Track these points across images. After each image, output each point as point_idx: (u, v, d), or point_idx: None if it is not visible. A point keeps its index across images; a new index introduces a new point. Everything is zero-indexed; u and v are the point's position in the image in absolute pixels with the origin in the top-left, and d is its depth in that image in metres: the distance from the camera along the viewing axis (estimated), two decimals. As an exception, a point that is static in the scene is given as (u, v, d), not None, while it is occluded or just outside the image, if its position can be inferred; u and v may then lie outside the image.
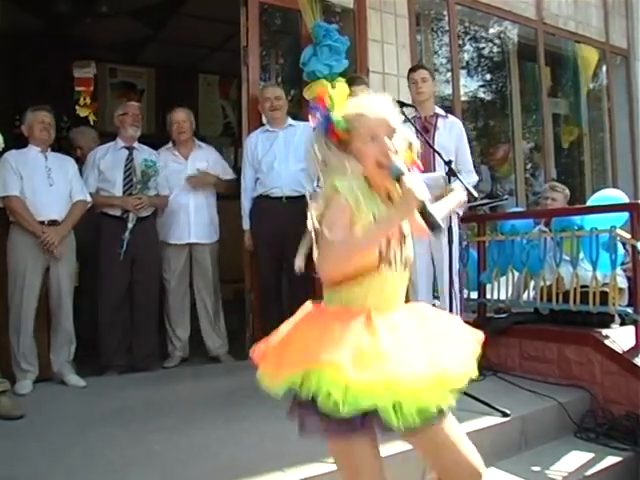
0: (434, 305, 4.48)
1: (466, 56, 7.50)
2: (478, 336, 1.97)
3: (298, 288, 4.70)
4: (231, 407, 3.65)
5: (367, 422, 1.74)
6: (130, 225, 4.47)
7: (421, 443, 1.98)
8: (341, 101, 2.03)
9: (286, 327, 1.92)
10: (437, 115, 4.51)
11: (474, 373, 1.85)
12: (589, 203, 5.02)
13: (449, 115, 4.67)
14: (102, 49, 7.58)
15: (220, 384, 4.20)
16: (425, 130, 4.40)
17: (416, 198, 1.80)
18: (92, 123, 5.22)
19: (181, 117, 5.01)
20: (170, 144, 5.07)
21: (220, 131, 8.79)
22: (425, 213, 1.83)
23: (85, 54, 6.43)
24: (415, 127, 4.20)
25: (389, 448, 2.63)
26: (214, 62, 8.34)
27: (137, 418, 3.45)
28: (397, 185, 1.87)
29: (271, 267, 4.68)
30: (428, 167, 4.07)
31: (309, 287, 4.79)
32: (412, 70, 4.69)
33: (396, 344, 1.76)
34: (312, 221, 1.87)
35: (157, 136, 5.82)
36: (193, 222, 4.88)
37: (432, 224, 1.83)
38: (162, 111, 7.87)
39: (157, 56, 8.21)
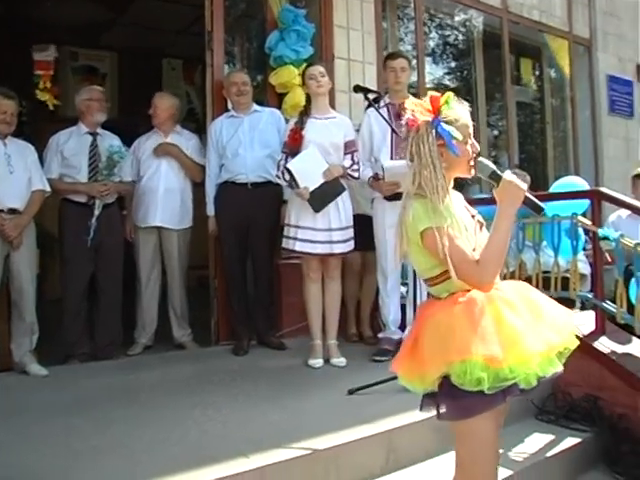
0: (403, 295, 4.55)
1: (431, 43, 7.51)
2: (567, 310, 2.17)
3: (262, 274, 4.73)
4: (195, 394, 3.64)
5: (507, 393, 1.94)
6: (97, 212, 4.41)
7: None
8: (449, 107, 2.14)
9: (411, 328, 2.16)
10: None
11: (575, 343, 2.05)
12: (551, 190, 5.09)
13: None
14: (63, 32, 7.43)
15: (185, 371, 4.18)
16: (399, 117, 4.41)
17: (520, 188, 2.04)
18: (51, 107, 5.12)
19: (156, 102, 4.96)
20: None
21: (184, 117, 8.70)
22: (527, 199, 2.10)
23: (46, 37, 6.30)
24: (380, 113, 4.25)
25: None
26: (178, 46, 8.24)
27: (101, 407, 3.42)
28: (489, 180, 2.11)
29: (236, 254, 4.66)
30: (400, 153, 4.09)
31: (273, 273, 4.82)
32: (391, 57, 4.64)
33: (520, 321, 1.96)
34: (440, 245, 2.00)
35: (120, 121, 5.74)
36: (160, 205, 4.82)
37: (536, 207, 2.14)
38: (126, 96, 7.80)
39: (120, 40, 8.07)
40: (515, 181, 2.05)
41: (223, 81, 4.92)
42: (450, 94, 2.14)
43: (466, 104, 2.18)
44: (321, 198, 4.13)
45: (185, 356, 4.71)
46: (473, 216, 2.19)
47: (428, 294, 2.21)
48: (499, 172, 2.11)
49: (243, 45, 5.94)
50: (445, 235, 2.00)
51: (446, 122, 2.07)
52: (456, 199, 2.18)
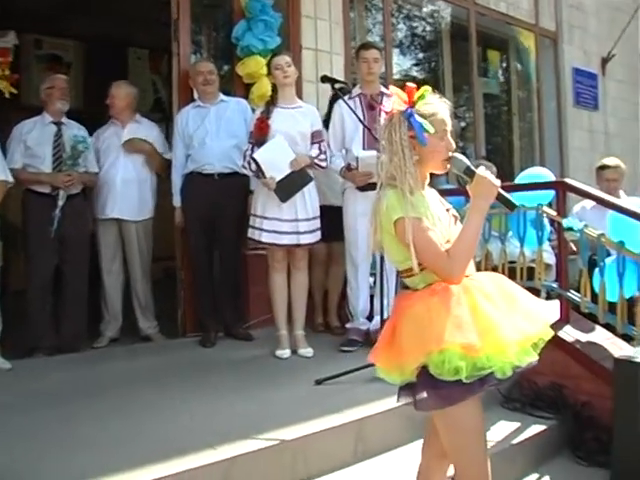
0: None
1: (399, 35, 7.52)
2: (542, 302, 2.23)
3: (229, 265, 4.71)
4: (162, 386, 3.61)
5: (484, 382, 1.96)
6: (61, 202, 4.34)
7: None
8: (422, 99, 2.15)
9: (389, 320, 2.16)
10: (382, 94, 4.51)
11: (549, 334, 2.07)
12: (517, 181, 5.13)
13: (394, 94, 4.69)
14: (27, 19, 7.29)
15: (151, 363, 4.16)
16: (371, 108, 4.44)
17: (493, 184, 2.07)
18: (7, 95, 5.03)
19: (113, 92, 4.89)
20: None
21: (151, 107, 8.61)
22: (500, 195, 2.12)
23: (9, 24, 6.17)
24: (347, 104, 4.25)
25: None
26: (144, 35, 8.12)
27: (67, 400, 3.37)
28: (463, 175, 2.13)
29: (202, 245, 4.63)
30: (372, 144, 4.09)
31: (240, 264, 4.80)
32: (363, 48, 4.63)
33: (496, 311, 1.99)
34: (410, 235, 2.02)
35: (85, 111, 5.66)
36: (119, 197, 4.75)
37: (509, 204, 2.16)
38: (91, 85, 7.68)
39: (85, 28, 7.93)
40: (489, 177, 2.07)
41: (189, 70, 4.87)
42: (427, 89, 2.16)
43: (448, 102, 2.20)
44: (287, 188, 4.11)
45: (151, 348, 4.68)
46: (448, 210, 2.21)
47: (403, 286, 2.22)
48: (473, 168, 2.13)
49: (210, 35, 5.88)
50: (417, 226, 2.01)
51: (420, 115, 2.09)
52: (430, 193, 2.20)
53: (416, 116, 2.08)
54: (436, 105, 2.14)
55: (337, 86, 4.19)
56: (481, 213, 2.10)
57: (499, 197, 2.12)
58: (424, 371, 1.96)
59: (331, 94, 4.83)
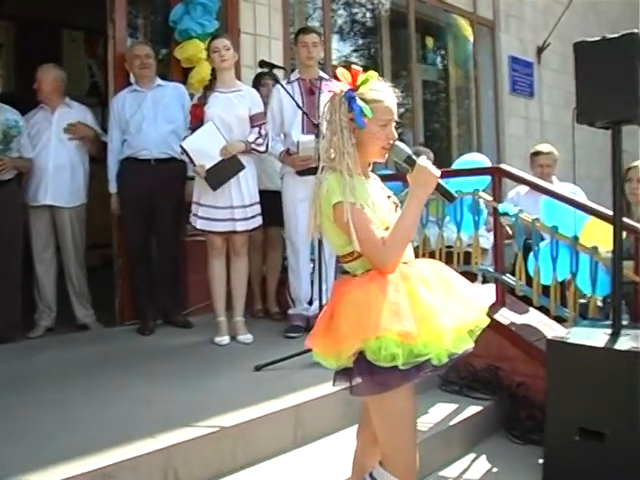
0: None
1: (339, 20, 7.53)
2: (480, 289, 2.22)
3: (167, 252, 4.66)
4: (100, 375, 3.56)
5: (420, 369, 1.97)
6: (-8, 188, 4.21)
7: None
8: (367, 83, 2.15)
9: (327, 305, 2.15)
10: (322, 78, 4.50)
11: (485, 321, 2.11)
12: (454, 167, 5.20)
13: (333, 79, 4.68)
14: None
15: (89, 353, 4.08)
16: (310, 92, 4.43)
17: (433, 174, 2.08)
18: None
19: (39, 76, 4.75)
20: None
21: (87, 91, 8.41)
22: (439, 186, 2.12)
23: None
24: (285, 89, 4.22)
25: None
26: (79, 17, 7.93)
27: (2, 391, 3.29)
28: (403, 164, 2.14)
29: (140, 231, 4.56)
30: (311, 129, 4.09)
31: (178, 251, 4.75)
32: (303, 32, 4.60)
33: (433, 298, 2.01)
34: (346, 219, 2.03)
35: (18, 95, 5.48)
36: (51, 183, 4.62)
37: (448, 195, 2.18)
38: (24, 69, 7.45)
39: (17, 9, 7.70)
40: (429, 167, 2.08)
41: (126, 54, 4.77)
42: (374, 74, 2.16)
43: (396, 92, 2.19)
44: (218, 176, 4.07)
45: (88, 337, 4.59)
46: (389, 197, 2.22)
47: (343, 271, 2.22)
48: (414, 157, 2.13)
49: (147, 17, 5.77)
50: (355, 211, 2.01)
51: (363, 99, 2.09)
52: (373, 180, 2.21)
53: (357, 99, 2.08)
54: (383, 93, 2.14)
55: (275, 71, 4.16)
56: (419, 203, 2.10)
57: (438, 188, 2.13)
58: (360, 357, 1.97)
59: (253, 78, 4.85)
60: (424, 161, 2.10)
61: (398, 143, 2.16)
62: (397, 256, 2.04)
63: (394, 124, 2.16)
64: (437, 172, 2.09)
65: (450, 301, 2.04)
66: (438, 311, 1.98)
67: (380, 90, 2.14)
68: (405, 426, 2.09)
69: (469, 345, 2.04)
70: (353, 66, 2.17)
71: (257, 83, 4.92)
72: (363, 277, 2.07)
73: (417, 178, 2.09)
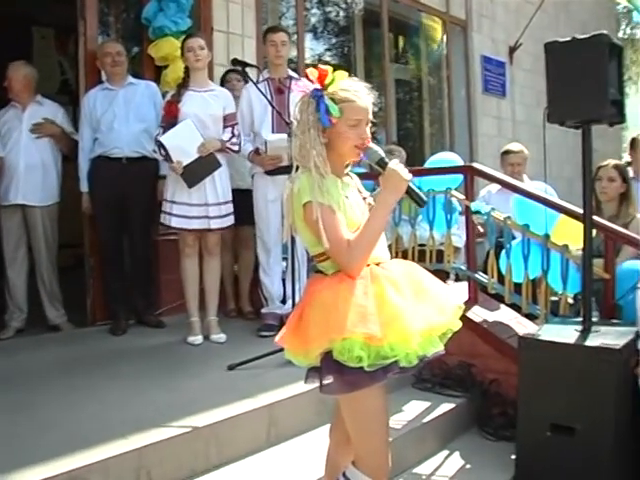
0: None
1: (312, 19, 7.52)
2: (453, 292, 2.25)
3: (139, 251, 4.63)
4: (72, 376, 3.53)
5: (387, 371, 1.97)
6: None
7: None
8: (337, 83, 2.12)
9: (298, 303, 2.17)
10: (291, 77, 4.50)
11: (457, 324, 2.10)
12: (426, 165, 5.23)
13: (302, 78, 4.69)
14: None
15: (60, 353, 4.05)
16: (279, 91, 4.42)
17: (403, 178, 2.05)
18: None
19: (9, 74, 4.69)
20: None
21: (57, 89, 8.31)
22: (410, 190, 2.09)
23: None
24: (258, 87, 4.21)
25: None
26: (50, 14, 7.83)
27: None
28: (376, 166, 2.10)
29: (111, 231, 4.53)
30: (282, 128, 4.09)
31: (150, 250, 4.71)
32: (271, 31, 4.59)
33: (402, 300, 1.99)
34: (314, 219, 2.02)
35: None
36: (22, 182, 4.55)
37: (419, 200, 2.13)
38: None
39: (-15, 5, 7.60)
40: (399, 171, 2.05)
41: (97, 51, 4.73)
42: (342, 74, 2.14)
43: (373, 93, 2.15)
44: (195, 173, 4.06)
45: (60, 338, 4.54)
46: (365, 198, 2.21)
47: (315, 269, 2.21)
48: (387, 160, 2.11)
49: (118, 14, 5.71)
50: (323, 211, 2.01)
51: (332, 98, 2.07)
52: (348, 180, 2.19)
53: (326, 98, 2.07)
54: (356, 93, 2.10)
55: (248, 70, 4.15)
56: (387, 207, 2.09)
57: (409, 192, 2.10)
58: (328, 356, 1.96)
59: (221, 77, 4.84)
60: (395, 165, 2.08)
61: (372, 145, 2.13)
62: (361, 259, 2.03)
63: (369, 124, 2.13)
64: (408, 176, 2.07)
65: (421, 303, 2.03)
66: (406, 313, 1.96)
67: (353, 90, 2.10)
68: (376, 425, 2.09)
69: (439, 348, 2.03)
70: (320, 65, 2.15)
71: (222, 80, 4.92)
72: (333, 278, 2.06)
73: (387, 182, 2.07)
